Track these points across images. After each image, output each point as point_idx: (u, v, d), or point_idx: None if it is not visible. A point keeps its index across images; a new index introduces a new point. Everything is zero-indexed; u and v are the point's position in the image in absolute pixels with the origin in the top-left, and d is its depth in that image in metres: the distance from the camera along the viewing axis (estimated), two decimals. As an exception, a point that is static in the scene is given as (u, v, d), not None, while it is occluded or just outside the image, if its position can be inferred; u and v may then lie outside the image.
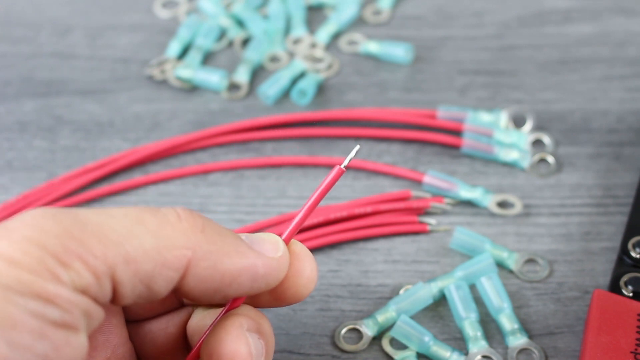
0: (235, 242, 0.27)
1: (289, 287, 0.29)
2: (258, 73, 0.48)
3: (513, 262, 0.38)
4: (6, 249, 0.23)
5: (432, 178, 0.41)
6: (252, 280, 0.27)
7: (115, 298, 0.25)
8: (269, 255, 0.27)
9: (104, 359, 0.29)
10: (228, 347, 0.27)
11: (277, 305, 0.29)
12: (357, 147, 0.29)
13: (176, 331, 0.31)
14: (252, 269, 0.27)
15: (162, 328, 0.30)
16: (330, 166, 0.43)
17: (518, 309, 0.36)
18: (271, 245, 0.28)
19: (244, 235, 0.28)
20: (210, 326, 0.28)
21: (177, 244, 0.25)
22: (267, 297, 0.29)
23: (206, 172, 0.43)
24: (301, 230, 0.39)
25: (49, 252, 0.23)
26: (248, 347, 0.27)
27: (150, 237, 0.25)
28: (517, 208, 0.40)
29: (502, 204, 0.40)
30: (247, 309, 0.28)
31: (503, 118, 0.44)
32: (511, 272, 0.38)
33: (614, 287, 0.35)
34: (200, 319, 0.30)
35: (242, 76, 0.47)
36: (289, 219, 0.40)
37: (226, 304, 0.29)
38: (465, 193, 0.40)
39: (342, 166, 0.29)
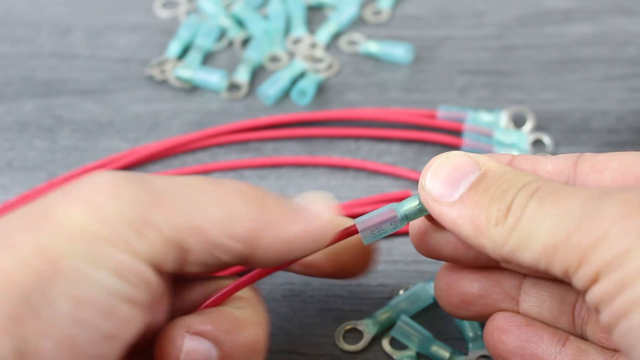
0: (292, 208, 0.28)
1: (351, 262, 0.30)
2: (258, 73, 0.48)
3: (513, 262, 0.38)
4: (83, 219, 0.23)
5: (432, 178, 0.41)
6: (311, 242, 0.28)
7: (182, 266, 0.26)
8: (322, 216, 0.28)
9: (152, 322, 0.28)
10: (159, 345, 0.27)
11: (338, 277, 0.31)
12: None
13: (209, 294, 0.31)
14: (310, 231, 0.27)
15: (200, 291, 0.30)
16: (330, 166, 0.43)
17: (518, 309, 0.36)
18: (321, 206, 0.28)
19: (296, 199, 0.28)
20: (216, 294, 0.29)
21: (241, 216, 0.26)
22: (328, 271, 0.30)
23: (206, 172, 0.43)
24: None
25: (124, 220, 0.24)
26: (177, 351, 0.27)
27: (217, 208, 0.26)
28: (517, 208, 0.40)
29: (502, 204, 0.40)
30: (216, 315, 0.28)
31: (503, 118, 0.44)
32: (511, 272, 0.38)
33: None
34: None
35: (242, 76, 0.47)
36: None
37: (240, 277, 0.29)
38: (465, 193, 0.40)
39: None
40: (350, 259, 0.30)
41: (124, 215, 0.24)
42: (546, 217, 0.25)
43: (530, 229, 0.25)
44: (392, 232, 0.29)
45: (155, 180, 0.26)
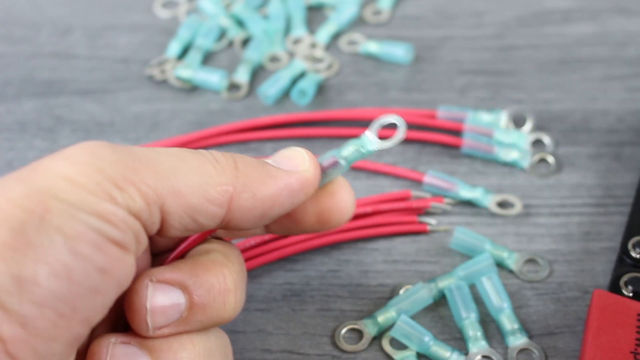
0: (266, 168, 0.29)
1: (332, 212, 0.31)
2: (258, 73, 0.48)
3: (513, 262, 0.38)
4: (69, 171, 0.25)
5: (432, 178, 0.41)
6: (290, 197, 0.29)
7: (163, 228, 0.27)
8: (298, 170, 0.29)
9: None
10: (127, 300, 0.27)
11: (322, 229, 0.31)
12: None
13: None
14: (287, 187, 0.29)
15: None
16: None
17: (518, 309, 0.36)
18: (298, 160, 0.30)
19: (270, 160, 0.30)
20: (184, 242, 0.30)
21: (218, 182, 0.27)
22: (313, 223, 0.31)
23: (206, 172, 0.43)
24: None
25: (106, 177, 0.25)
26: (143, 300, 0.27)
27: (195, 174, 0.27)
28: (517, 208, 0.40)
29: (502, 204, 0.40)
30: (179, 264, 0.28)
31: (503, 118, 0.44)
32: (511, 272, 0.38)
33: (614, 287, 0.35)
34: None
35: (242, 76, 0.47)
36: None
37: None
38: (466, 193, 0.40)
39: None
40: (331, 207, 0.31)
41: (106, 173, 0.25)
42: None
43: None
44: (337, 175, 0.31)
45: (136, 148, 0.27)
